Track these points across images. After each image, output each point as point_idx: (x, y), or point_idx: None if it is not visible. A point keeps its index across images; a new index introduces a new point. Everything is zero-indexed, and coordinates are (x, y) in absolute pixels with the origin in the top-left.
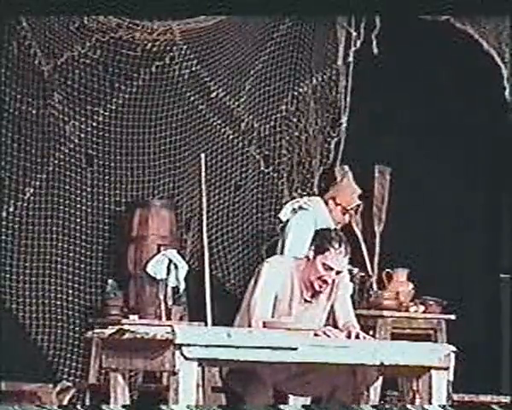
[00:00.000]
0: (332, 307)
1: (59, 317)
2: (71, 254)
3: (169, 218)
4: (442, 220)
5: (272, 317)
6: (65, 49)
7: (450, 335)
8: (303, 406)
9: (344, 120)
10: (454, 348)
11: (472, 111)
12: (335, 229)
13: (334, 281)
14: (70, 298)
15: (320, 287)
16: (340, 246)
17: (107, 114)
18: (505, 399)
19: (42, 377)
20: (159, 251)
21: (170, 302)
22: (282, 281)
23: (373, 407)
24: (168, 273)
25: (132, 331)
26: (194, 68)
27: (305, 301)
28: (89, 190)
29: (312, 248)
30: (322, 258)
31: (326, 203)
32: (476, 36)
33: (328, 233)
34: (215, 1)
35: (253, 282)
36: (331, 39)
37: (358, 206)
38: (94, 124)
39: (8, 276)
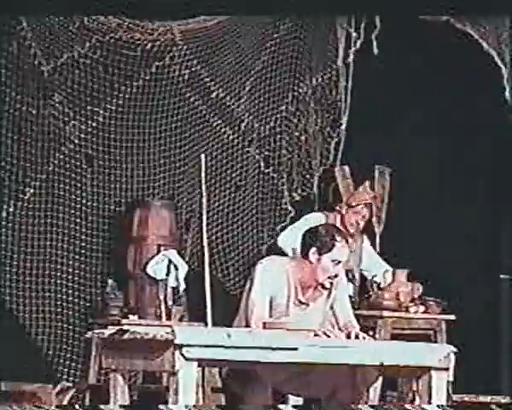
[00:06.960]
0: (331, 307)
1: (59, 317)
2: (71, 255)
3: (169, 218)
4: (442, 220)
5: (270, 318)
6: (65, 49)
7: (450, 335)
8: (299, 406)
9: (344, 120)
10: (454, 349)
11: (472, 111)
12: (328, 224)
13: (331, 283)
14: (70, 298)
15: (331, 284)
16: (342, 238)
17: (107, 114)
18: (505, 399)
19: (42, 377)
20: (159, 251)
21: (170, 303)
22: (276, 281)
23: (373, 407)
24: (168, 274)
25: (132, 332)
26: (194, 68)
27: (301, 302)
28: (89, 190)
29: (315, 250)
30: (330, 255)
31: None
32: (476, 36)
33: (329, 229)
34: (215, 1)
35: (248, 284)
36: (331, 39)
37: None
38: (94, 124)
39: (8, 276)
